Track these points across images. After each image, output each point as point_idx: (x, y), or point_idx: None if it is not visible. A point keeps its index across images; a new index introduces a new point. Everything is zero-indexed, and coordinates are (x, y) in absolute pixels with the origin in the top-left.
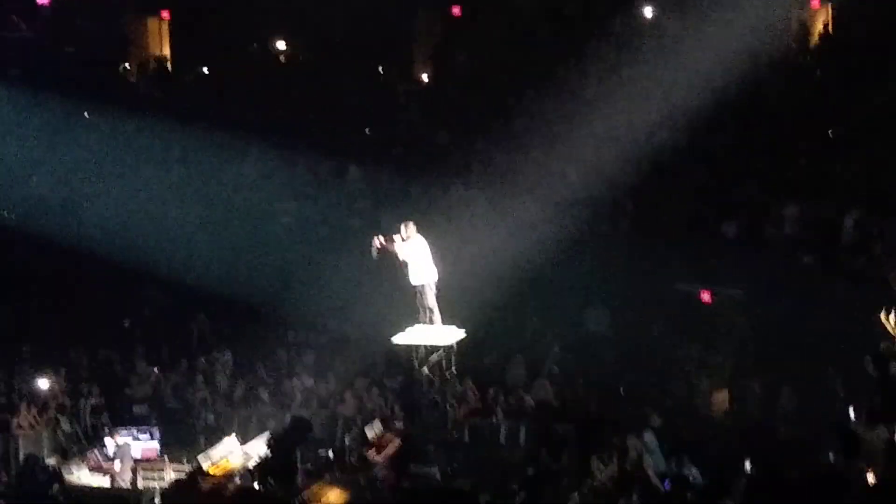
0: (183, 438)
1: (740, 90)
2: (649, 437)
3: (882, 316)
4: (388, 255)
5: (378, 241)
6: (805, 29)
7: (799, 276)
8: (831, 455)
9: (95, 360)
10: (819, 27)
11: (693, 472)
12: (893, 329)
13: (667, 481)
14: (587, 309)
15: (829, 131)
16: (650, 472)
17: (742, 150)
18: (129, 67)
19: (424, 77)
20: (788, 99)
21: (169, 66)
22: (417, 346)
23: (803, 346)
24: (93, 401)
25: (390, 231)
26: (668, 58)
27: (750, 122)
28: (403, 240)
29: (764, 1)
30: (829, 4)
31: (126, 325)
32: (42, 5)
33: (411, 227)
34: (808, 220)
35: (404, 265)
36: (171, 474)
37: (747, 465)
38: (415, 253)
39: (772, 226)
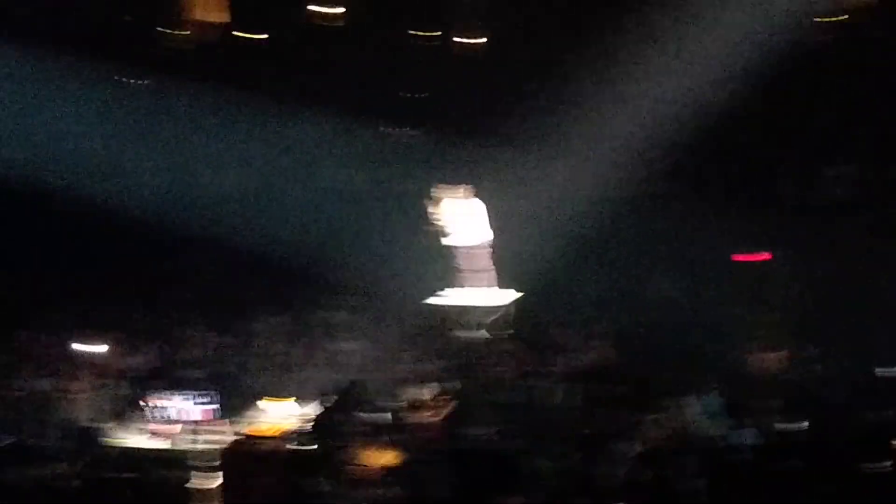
0: (239, 401)
1: (791, 47)
2: (712, 399)
3: None
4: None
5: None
6: None
7: (851, 236)
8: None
9: (152, 323)
10: None
11: (747, 434)
12: None
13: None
14: (650, 273)
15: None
16: (709, 433)
17: (795, 110)
18: (179, 32)
19: (476, 40)
20: (840, 56)
21: (220, 30)
22: (473, 308)
23: (855, 307)
24: (150, 364)
25: (445, 194)
26: (716, 15)
27: (801, 79)
28: (461, 201)
29: None
30: None
31: None
32: None
33: (468, 189)
34: (860, 180)
35: (461, 226)
36: (228, 436)
37: (800, 426)
38: (472, 214)
39: (825, 186)
